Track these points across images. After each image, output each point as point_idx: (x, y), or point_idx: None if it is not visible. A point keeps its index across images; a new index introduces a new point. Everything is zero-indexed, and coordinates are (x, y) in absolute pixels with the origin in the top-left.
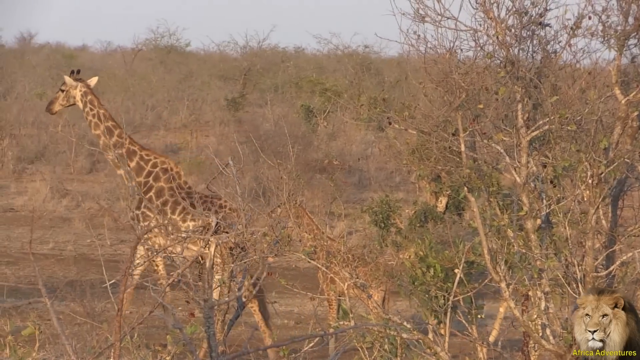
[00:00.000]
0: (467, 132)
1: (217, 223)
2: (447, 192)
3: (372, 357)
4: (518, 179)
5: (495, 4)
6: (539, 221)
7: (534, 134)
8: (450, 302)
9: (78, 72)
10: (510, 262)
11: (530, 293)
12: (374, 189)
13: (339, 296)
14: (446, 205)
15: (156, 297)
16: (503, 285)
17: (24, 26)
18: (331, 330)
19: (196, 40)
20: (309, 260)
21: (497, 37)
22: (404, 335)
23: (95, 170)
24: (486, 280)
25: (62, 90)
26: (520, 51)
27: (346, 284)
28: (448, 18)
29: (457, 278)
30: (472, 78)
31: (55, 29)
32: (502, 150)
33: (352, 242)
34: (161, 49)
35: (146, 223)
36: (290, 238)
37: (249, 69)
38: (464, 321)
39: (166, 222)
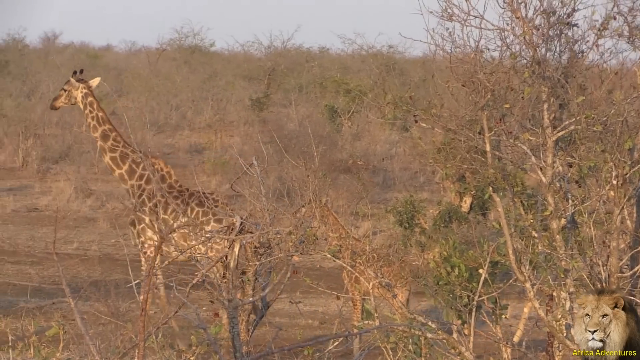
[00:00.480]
0: (493, 132)
1: (242, 223)
2: (472, 192)
3: (397, 357)
4: (544, 179)
5: (522, 4)
6: (563, 221)
7: (559, 134)
8: (474, 302)
9: (81, 72)
10: (535, 262)
11: (554, 293)
12: (399, 189)
13: (364, 296)
14: (470, 205)
15: (180, 297)
16: (528, 285)
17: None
18: (355, 330)
19: (220, 40)
20: (334, 259)
21: (524, 37)
22: (429, 335)
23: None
24: (511, 281)
25: (65, 90)
26: (547, 51)
27: (371, 284)
28: (475, 17)
29: (482, 278)
30: (498, 78)
31: (79, 29)
32: (527, 150)
33: (376, 242)
34: (185, 49)
35: (141, 226)
36: (315, 237)
37: (273, 69)
38: (488, 321)
39: (159, 222)
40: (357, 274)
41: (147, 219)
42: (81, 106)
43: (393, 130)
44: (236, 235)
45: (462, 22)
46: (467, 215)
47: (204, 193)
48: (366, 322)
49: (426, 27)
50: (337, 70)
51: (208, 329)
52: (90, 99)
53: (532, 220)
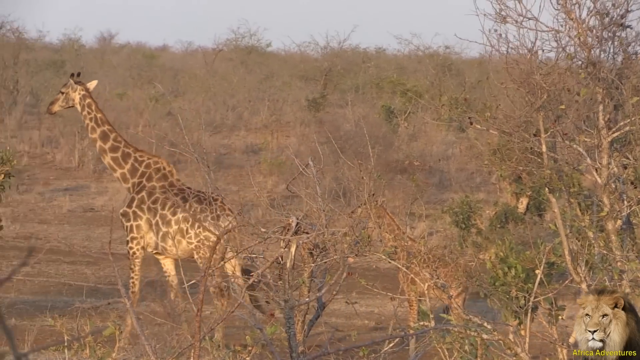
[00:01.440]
0: (549, 133)
1: (298, 223)
2: (528, 193)
3: (452, 358)
4: (599, 180)
5: (576, 5)
6: (619, 222)
7: (615, 135)
8: (530, 303)
9: (78, 74)
10: (591, 263)
11: None
12: (455, 189)
13: (420, 297)
14: (527, 206)
15: (237, 297)
16: (584, 286)
17: (104, 26)
18: (411, 331)
19: (277, 41)
20: (390, 260)
21: (579, 38)
22: (484, 336)
23: (176, 170)
24: (567, 282)
25: (62, 93)
26: (602, 52)
27: (426, 285)
28: (529, 19)
29: (538, 279)
30: (553, 79)
31: (135, 29)
32: (583, 151)
33: (432, 243)
34: (242, 49)
35: (137, 223)
36: (370, 238)
37: (329, 69)
38: (544, 322)
39: (157, 219)
40: (412, 275)
41: (144, 217)
42: (79, 108)
43: (449, 131)
44: (292, 236)
45: (517, 24)
46: (524, 216)
47: (203, 192)
48: (422, 323)
49: (481, 29)
50: (393, 71)
51: (264, 329)
52: (88, 100)
53: (588, 221)
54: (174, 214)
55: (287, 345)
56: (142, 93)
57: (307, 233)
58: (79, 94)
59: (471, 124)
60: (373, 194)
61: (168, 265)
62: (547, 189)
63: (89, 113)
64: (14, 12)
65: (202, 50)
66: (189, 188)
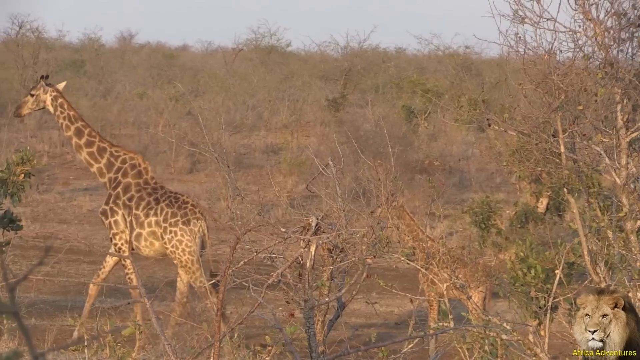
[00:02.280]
0: (567, 134)
1: (317, 223)
2: (548, 193)
3: (472, 358)
4: (618, 180)
5: (594, 5)
6: (639, 222)
7: (633, 135)
8: (550, 303)
9: (47, 77)
10: (610, 263)
11: (630, 294)
12: (475, 189)
13: (439, 297)
14: (547, 206)
15: (256, 297)
16: (603, 286)
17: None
18: (431, 331)
19: (297, 41)
20: (408, 262)
21: (596, 39)
22: (504, 337)
23: (195, 170)
24: (586, 282)
25: (32, 95)
26: (620, 52)
27: (445, 286)
28: (547, 19)
29: (557, 279)
30: (571, 79)
31: (155, 28)
32: (601, 152)
33: (452, 243)
34: (262, 49)
35: (114, 219)
36: (389, 239)
37: (349, 69)
38: (564, 322)
39: (131, 218)
40: (431, 276)
41: (120, 213)
42: (51, 109)
43: (469, 131)
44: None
45: (535, 25)
46: (543, 216)
47: (176, 194)
48: (442, 323)
49: (498, 29)
50: (413, 71)
51: (284, 329)
52: (60, 100)
53: (607, 222)
54: (146, 215)
55: (306, 345)
56: (162, 93)
57: (327, 233)
58: (50, 95)
59: (489, 125)
60: (392, 194)
61: (108, 267)
62: (565, 190)
63: (62, 112)
64: (34, 11)
65: (222, 50)
66: (162, 187)
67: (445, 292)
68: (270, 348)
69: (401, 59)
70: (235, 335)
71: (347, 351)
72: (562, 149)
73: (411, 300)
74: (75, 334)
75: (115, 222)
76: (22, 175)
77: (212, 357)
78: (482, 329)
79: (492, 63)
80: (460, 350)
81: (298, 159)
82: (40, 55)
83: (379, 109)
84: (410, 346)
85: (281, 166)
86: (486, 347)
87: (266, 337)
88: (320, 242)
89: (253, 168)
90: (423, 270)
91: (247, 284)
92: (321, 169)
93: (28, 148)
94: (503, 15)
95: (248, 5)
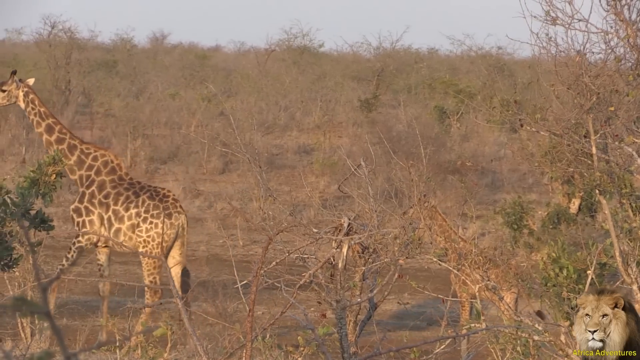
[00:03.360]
0: (599, 135)
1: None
2: (580, 194)
3: (504, 359)
4: None
5: (626, 6)
6: None
7: None
8: None
9: (15, 72)
10: None
11: None
12: (507, 190)
13: (471, 298)
14: (579, 207)
15: (288, 298)
16: (635, 287)
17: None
18: (463, 332)
19: (329, 41)
20: (439, 263)
21: (628, 40)
22: (536, 337)
23: (227, 170)
24: (618, 282)
25: (3, 90)
26: None
27: (477, 287)
28: (579, 20)
29: (589, 280)
30: (603, 81)
31: (188, 29)
32: (633, 153)
33: (485, 244)
34: (294, 50)
35: (89, 218)
36: (421, 240)
37: (382, 69)
38: None
39: (109, 214)
40: (463, 277)
41: (96, 212)
42: (22, 105)
43: (502, 131)
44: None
45: (566, 26)
46: (576, 217)
47: (155, 187)
48: (473, 324)
49: (530, 30)
50: (446, 71)
51: (316, 329)
52: (31, 96)
53: (639, 222)
54: (126, 209)
55: (338, 345)
56: (194, 93)
57: (359, 234)
58: (22, 91)
59: (521, 126)
60: (425, 195)
61: (103, 256)
62: (597, 191)
63: (32, 109)
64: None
65: (254, 51)
66: (138, 182)
67: (477, 293)
68: (302, 349)
69: (434, 60)
70: (267, 335)
71: (379, 352)
72: (594, 150)
73: (443, 301)
74: (102, 336)
75: (90, 221)
76: (54, 175)
77: (244, 358)
78: (514, 330)
79: (524, 64)
80: (492, 351)
81: (330, 160)
82: (72, 55)
83: (411, 109)
84: (442, 347)
85: (313, 167)
86: (518, 348)
87: (298, 337)
88: (352, 242)
89: (285, 169)
90: (455, 271)
91: (279, 285)
92: (353, 170)
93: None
94: (535, 16)
95: (281, 5)
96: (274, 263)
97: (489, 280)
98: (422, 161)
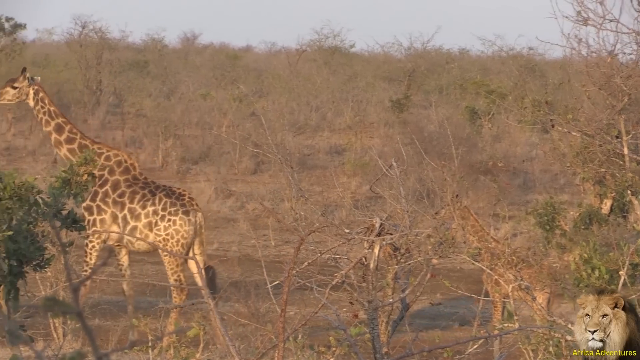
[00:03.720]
0: (630, 135)
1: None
2: (612, 195)
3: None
4: None
5: None
6: None
7: None
8: None
9: (25, 69)
10: None
11: None
12: (539, 190)
13: (504, 298)
14: (610, 208)
15: (320, 298)
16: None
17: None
18: (496, 332)
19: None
20: (473, 262)
21: None
22: (569, 338)
23: (259, 171)
24: None
25: (15, 87)
26: None
27: (510, 286)
28: (610, 20)
29: (622, 280)
30: (634, 81)
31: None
32: None
33: (516, 244)
34: (325, 50)
35: (101, 217)
36: (454, 240)
37: (413, 70)
38: None
39: (124, 213)
40: (496, 277)
41: (109, 211)
42: (31, 102)
43: (533, 132)
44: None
45: (598, 26)
46: (607, 218)
47: (170, 187)
48: (506, 324)
49: (561, 31)
50: (477, 72)
51: (348, 330)
52: (41, 94)
53: None
54: (143, 207)
55: (370, 346)
56: (225, 93)
57: (391, 234)
58: (33, 88)
59: (553, 126)
60: (457, 195)
61: (124, 257)
62: (629, 191)
63: (42, 107)
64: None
65: (285, 51)
66: (153, 182)
67: (510, 293)
68: (334, 349)
69: (465, 60)
70: (299, 336)
71: (411, 352)
72: (626, 150)
73: (475, 301)
74: (133, 335)
75: (102, 220)
76: (86, 175)
77: (275, 358)
78: (547, 330)
79: (556, 64)
80: (524, 351)
81: (362, 160)
82: (103, 55)
83: (442, 110)
84: (474, 347)
85: (345, 167)
86: (550, 349)
87: (330, 338)
88: (384, 243)
89: (317, 169)
90: (488, 271)
91: (311, 285)
92: (385, 170)
93: (91, 148)
94: (566, 17)
95: (312, 6)
96: (305, 263)
97: (522, 280)
98: (453, 162)
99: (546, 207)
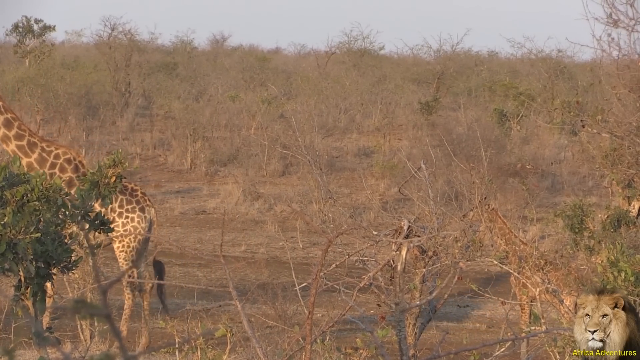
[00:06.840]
0: None
1: (409, 226)
2: None
3: None
4: None
5: None
6: None
7: None
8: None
9: None
10: None
11: None
12: (567, 193)
13: (531, 300)
14: (639, 210)
15: (347, 300)
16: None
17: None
18: (523, 334)
19: (390, 44)
20: (500, 265)
21: None
22: None
23: (287, 173)
24: None
25: None
26: None
27: (537, 290)
28: None
29: None
30: None
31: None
32: None
33: (545, 247)
34: (354, 52)
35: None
36: (481, 243)
37: (442, 72)
38: None
39: None
40: (523, 280)
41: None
42: None
43: (562, 134)
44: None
45: (628, 28)
46: (636, 220)
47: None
48: (533, 326)
49: (592, 33)
50: (506, 74)
51: (375, 332)
52: None
53: None
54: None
55: (397, 348)
56: (254, 95)
57: (419, 236)
58: None
59: (583, 126)
60: (485, 198)
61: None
62: None
63: None
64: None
65: (314, 53)
66: None
67: (537, 296)
68: (361, 351)
69: (494, 62)
70: (327, 338)
71: (438, 354)
72: None
73: (503, 304)
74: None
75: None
76: (114, 177)
77: None
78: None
79: (585, 67)
80: (551, 353)
81: (390, 162)
82: (132, 57)
83: (471, 112)
84: (501, 350)
85: (373, 169)
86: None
87: (357, 340)
88: (412, 245)
89: (345, 171)
90: (515, 274)
91: (338, 287)
92: (413, 172)
93: (120, 150)
94: (596, 19)
95: (341, 8)
96: (333, 265)
97: (549, 283)
98: (482, 164)
99: (574, 210)
